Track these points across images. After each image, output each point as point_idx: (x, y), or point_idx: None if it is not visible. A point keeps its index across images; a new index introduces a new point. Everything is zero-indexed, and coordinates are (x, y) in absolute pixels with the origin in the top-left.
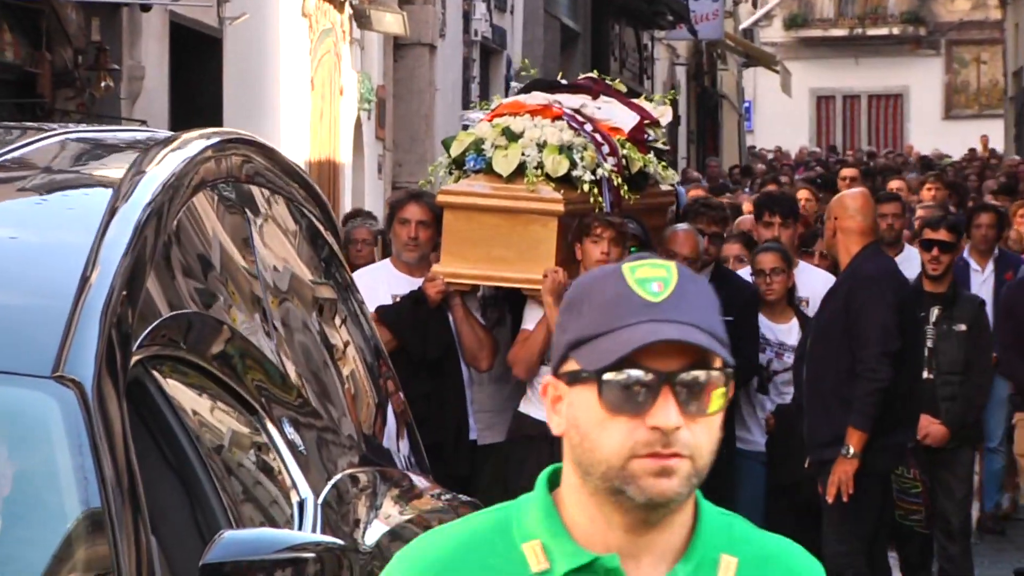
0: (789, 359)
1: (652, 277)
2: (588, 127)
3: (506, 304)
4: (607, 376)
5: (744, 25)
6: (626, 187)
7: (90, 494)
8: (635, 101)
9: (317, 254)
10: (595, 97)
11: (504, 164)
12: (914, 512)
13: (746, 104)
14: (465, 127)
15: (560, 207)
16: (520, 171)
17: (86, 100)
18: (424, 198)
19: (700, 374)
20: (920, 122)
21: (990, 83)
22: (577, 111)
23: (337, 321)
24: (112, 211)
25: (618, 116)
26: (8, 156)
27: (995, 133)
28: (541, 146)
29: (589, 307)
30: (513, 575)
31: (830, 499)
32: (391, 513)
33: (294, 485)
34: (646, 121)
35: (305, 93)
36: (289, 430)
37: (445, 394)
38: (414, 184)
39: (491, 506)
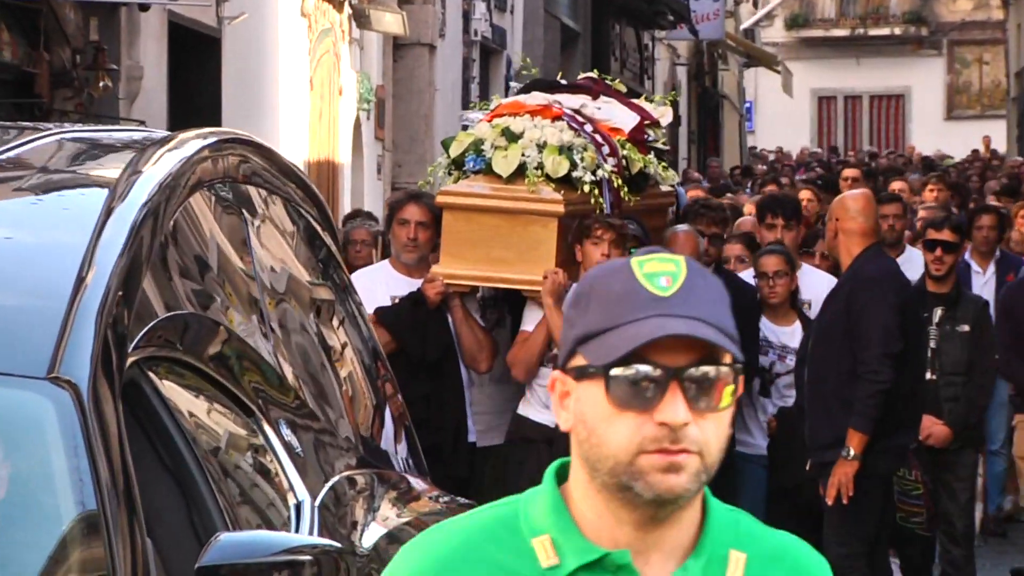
0: (791, 362)
1: (661, 271)
2: (588, 127)
3: (505, 305)
4: (614, 371)
5: (745, 25)
6: (626, 188)
7: (85, 496)
8: (635, 101)
9: (315, 255)
10: (595, 97)
11: (504, 165)
12: (915, 514)
13: (747, 104)
14: (464, 127)
15: (560, 208)
16: (520, 172)
17: (84, 100)
18: (423, 199)
19: (709, 369)
20: (922, 123)
21: (992, 84)
22: (577, 111)
23: (335, 322)
24: (108, 211)
25: (618, 116)
26: (3, 156)
27: (997, 134)
28: (541, 147)
29: (597, 302)
30: (522, 570)
31: (830, 501)
32: (389, 515)
33: (291, 487)
34: (646, 122)
35: (304, 93)
36: (286, 432)
37: (444, 396)
38: (413, 185)
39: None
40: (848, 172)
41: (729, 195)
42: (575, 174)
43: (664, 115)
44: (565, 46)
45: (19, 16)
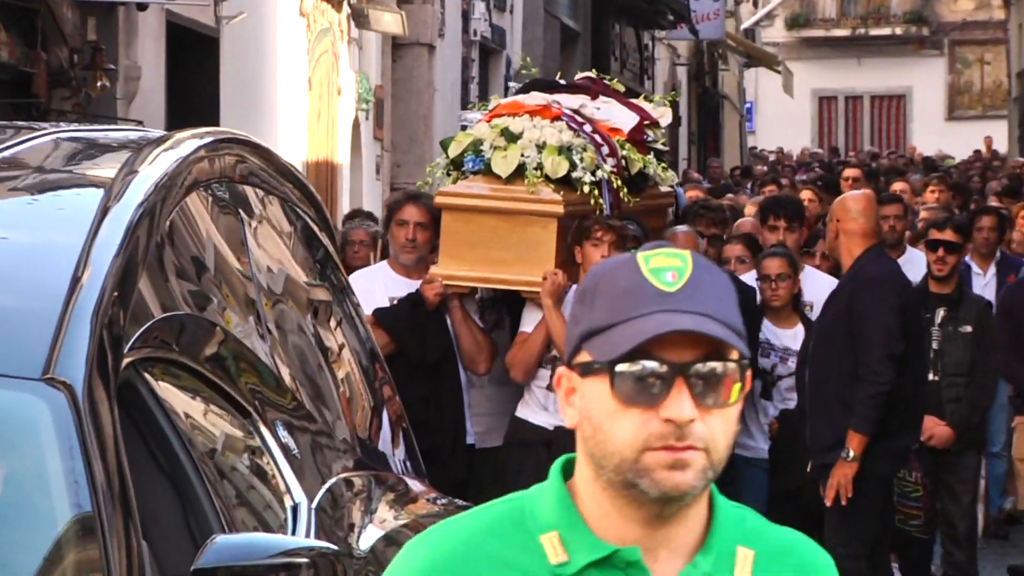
0: (793, 364)
1: (666, 267)
2: (587, 128)
3: (504, 307)
4: (619, 367)
5: (746, 25)
6: (626, 189)
7: (80, 498)
8: (634, 101)
9: (312, 256)
10: (594, 97)
11: (503, 165)
12: (914, 517)
13: (747, 105)
14: (463, 128)
15: (560, 209)
16: (519, 172)
17: (82, 100)
18: (422, 199)
19: (716, 365)
20: (923, 123)
21: (994, 84)
22: (576, 111)
23: (332, 323)
24: (104, 211)
25: (617, 117)
26: None
27: (999, 134)
28: (540, 147)
29: (602, 297)
30: (530, 567)
31: (828, 502)
32: (386, 518)
33: (288, 489)
34: (645, 122)
35: (303, 93)
36: (283, 433)
37: (443, 397)
38: (412, 185)
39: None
40: (849, 172)
41: (729, 195)
42: (574, 175)
43: (663, 115)
44: (565, 46)
45: (16, 16)
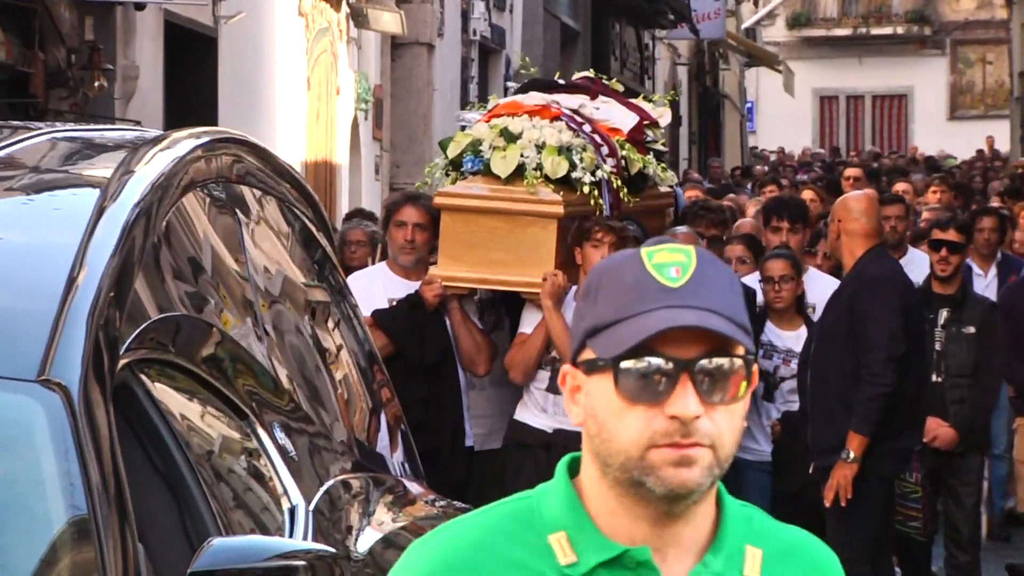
0: (796, 366)
1: (670, 262)
2: (587, 128)
3: (503, 307)
4: (624, 364)
5: (746, 24)
6: (625, 189)
7: (76, 500)
8: (633, 101)
9: (310, 256)
10: (593, 97)
11: (502, 165)
12: (913, 518)
13: (748, 104)
14: (462, 128)
15: (560, 209)
16: (519, 173)
17: (79, 100)
18: (421, 200)
19: (722, 361)
20: (925, 123)
21: (996, 83)
22: (575, 111)
23: (330, 324)
24: (100, 211)
25: (617, 117)
26: None
27: (1001, 134)
28: (540, 147)
29: (606, 294)
30: (539, 568)
31: (827, 503)
32: (384, 520)
33: (285, 491)
34: (645, 122)
35: (301, 93)
36: (280, 435)
37: (442, 399)
38: (412, 185)
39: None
40: (850, 172)
41: (731, 196)
42: (574, 175)
43: (662, 115)
44: (565, 45)
45: (14, 15)
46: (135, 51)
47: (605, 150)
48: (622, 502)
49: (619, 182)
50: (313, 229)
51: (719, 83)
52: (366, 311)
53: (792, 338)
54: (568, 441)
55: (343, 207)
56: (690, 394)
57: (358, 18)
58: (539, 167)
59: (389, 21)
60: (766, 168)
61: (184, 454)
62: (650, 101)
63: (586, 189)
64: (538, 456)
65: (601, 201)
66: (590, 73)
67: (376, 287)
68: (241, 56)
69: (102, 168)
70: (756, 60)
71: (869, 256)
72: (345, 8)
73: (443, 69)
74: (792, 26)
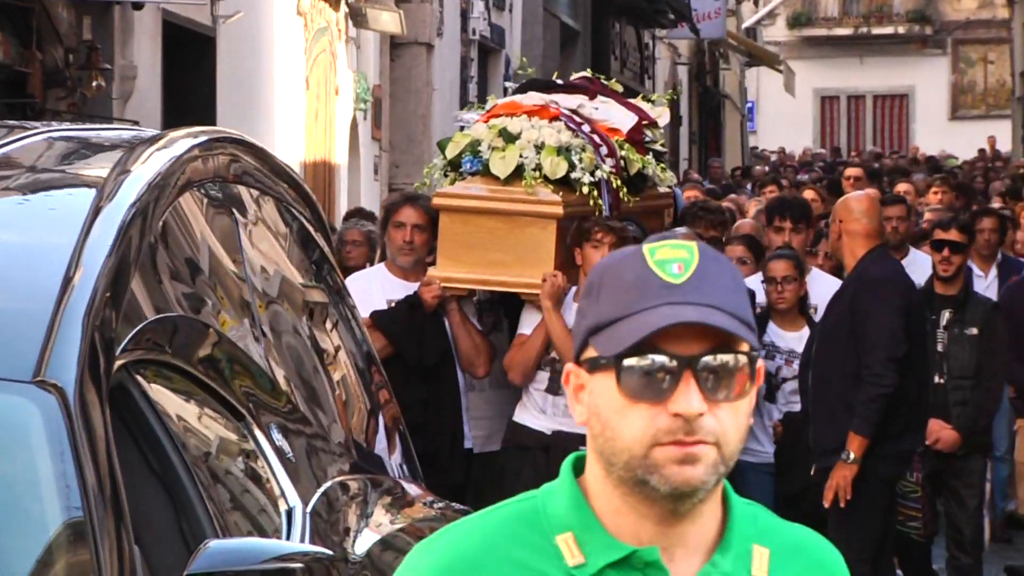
0: (798, 367)
1: (673, 258)
2: (586, 128)
3: (502, 308)
4: (626, 362)
5: (747, 24)
6: (625, 189)
7: (72, 502)
8: (632, 101)
9: (307, 257)
10: (592, 97)
11: (501, 166)
12: (912, 518)
13: (749, 104)
14: (461, 128)
15: (559, 210)
16: (518, 173)
17: (77, 100)
18: (419, 201)
19: (727, 358)
20: (926, 123)
21: (997, 83)
22: (574, 111)
23: (328, 325)
24: (96, 211)
25: (616, 117)
26: None
27: (1002, 134)
28: (539, 147)
29: (608, 291)
30: (547, 569)
31: (826, 503)
32: (382, 522)
33: (282, 493)
34: (644, 122)
35: (300, 93)
36: (277, 437)
37: (441, 401)
38: (411, 185)
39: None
40: (851, 172)
41: (732, 196)
42: (573, 175)
43: (661, 115)
44: (564, 45)
45: (11, 15)
46: (133, 51)
47: (604, 150)
48: (627, 501)
49: (618, 182)
50: (311, 229)
51: (719, 83)
52: (364, 312)
53: (795, 339)
54: (567, 443)
55: (342, 207)
56: (693, 391)
57: (357, 18)
58: (538, 167)
59: (388, 21)
60: (766, 168)
61: (180, 455)
62: (649, 101)
63: (585, 189)
64: (537, 458)
65: (600, 201)
66: (588, 73)
67: (374, 288)
68: (239, 56)
69: (98, 168)
70: (757, 60)
71: (870, 257)
72: (344, 8)
73: (442, 69)
74: (793, 26)
